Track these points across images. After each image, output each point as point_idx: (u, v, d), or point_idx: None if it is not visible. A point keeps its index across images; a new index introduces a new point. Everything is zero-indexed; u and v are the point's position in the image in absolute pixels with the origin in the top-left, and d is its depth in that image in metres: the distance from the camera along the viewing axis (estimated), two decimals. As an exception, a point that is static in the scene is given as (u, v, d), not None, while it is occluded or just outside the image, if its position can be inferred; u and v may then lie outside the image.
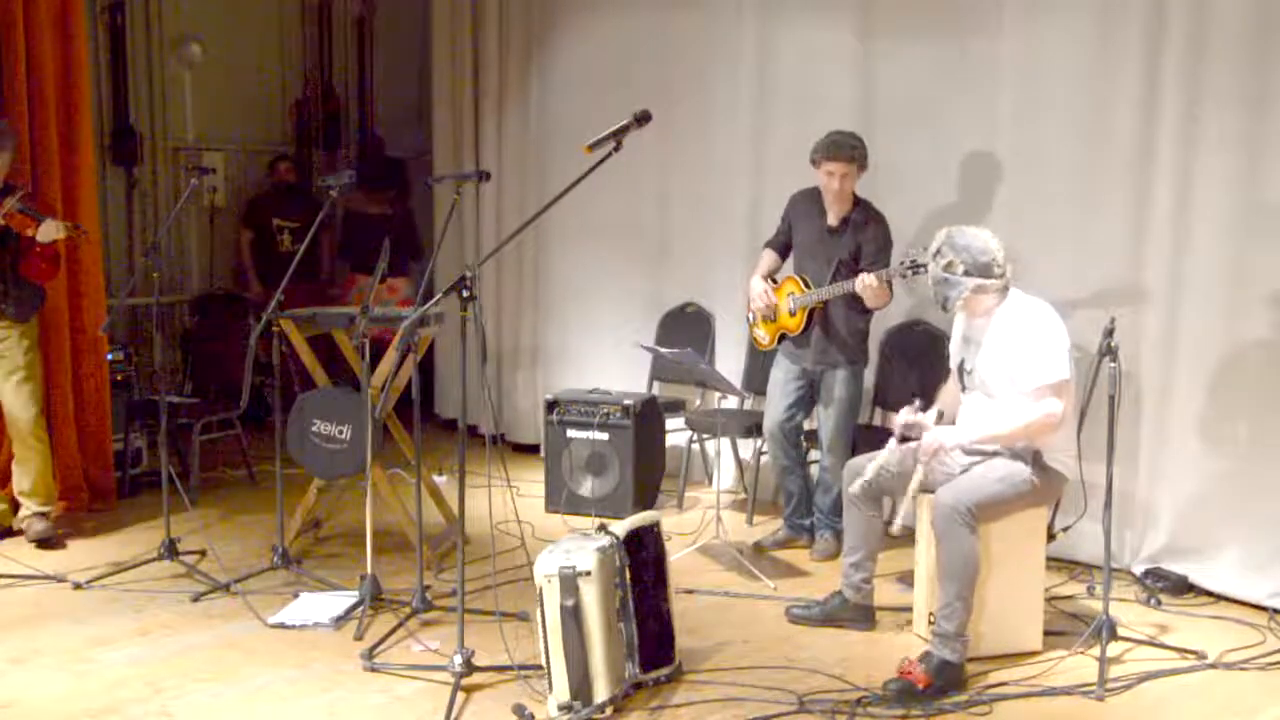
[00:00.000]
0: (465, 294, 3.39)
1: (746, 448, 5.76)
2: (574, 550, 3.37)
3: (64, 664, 3.75)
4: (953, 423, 3.95)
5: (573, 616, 3.30)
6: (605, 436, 5.51)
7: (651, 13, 6.29)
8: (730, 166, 5.95)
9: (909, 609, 4.13)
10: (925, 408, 3.98)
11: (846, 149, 4.60)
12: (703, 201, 6.14)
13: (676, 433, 5.98)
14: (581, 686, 3.31)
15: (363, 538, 4.24)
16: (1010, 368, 3.73)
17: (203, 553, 4.78)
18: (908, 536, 4.10)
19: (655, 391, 6.13)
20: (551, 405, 5.67)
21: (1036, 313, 3.76)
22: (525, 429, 7.03)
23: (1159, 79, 4.46)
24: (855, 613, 4.08)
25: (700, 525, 5.20)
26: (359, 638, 3.95)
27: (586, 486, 5.57)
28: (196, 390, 6.98)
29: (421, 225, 7.59)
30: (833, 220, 4.75)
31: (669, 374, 6.08)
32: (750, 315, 4.99)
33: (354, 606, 4.13)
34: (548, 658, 3.35)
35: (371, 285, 4.28)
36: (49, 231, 4.69)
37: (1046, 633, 3.92)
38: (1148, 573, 4.57)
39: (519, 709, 3.32)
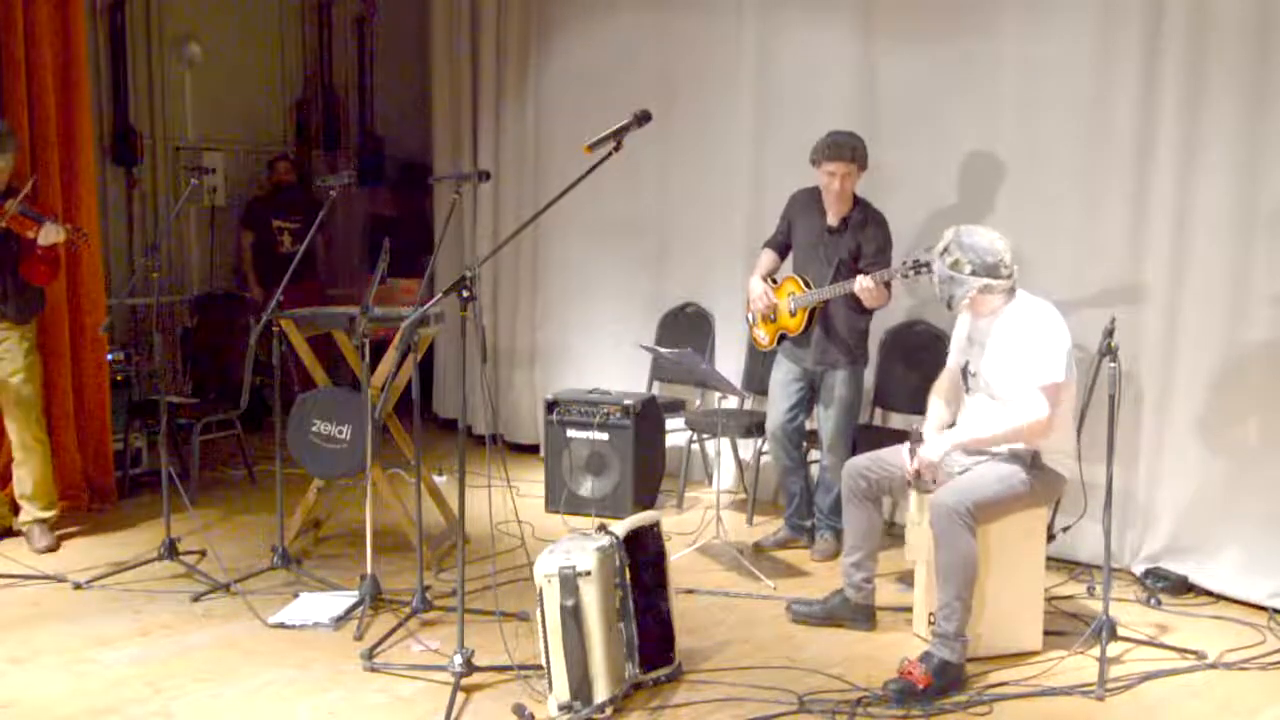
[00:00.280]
0: (465, 294, 3.39)
1: (746, 448, 5.76)
2: (574, 550, 3.37)
3: (64, 664, 3.75)
4: (953, 419, 3.96)
5: (573, 616, 3.30)
6: (605, 436, 5.51)
7: (651, 13, 6.28)
8: (730, 166, 5.95)
9: (909, 609, 4.13)
10: (920, 439, 3.88)
11: (846, 149, 4.59)
12: (703, 201, 6.13)
13: (676, 433, 5.97)
14: (581, 686, 3.31)
15: (363, 538, 4.25)
16: (1012, 369, 3.73)
17: (203, 553, 4.78)
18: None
19: (655, 391, 6.13)
20: (551, 405, 5.67)
21: (1039, 315, 3.76)
22: (525, 429, 7.03)
23: (1159, 79, 4.46)
24: (856, 612, 4.08)
25: (700, 525, 5.20)
26: (359, 638, 3.95)
27: (586, 486, 5.57)
28: (196, 390, 7.00)
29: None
30: (833, 220, 4.74)
31: (669, 374, 6.08)
32: (750, 315, 4.99)
33: (354, 606, 4.13)
34: (548, 658, 3.35)
35: (372, 285, 4.28)
36: (50, 234, 4.69)
37: (1046, 633, 3.92)
38: (1148, 573, 4.57)
39: (519, 709, 3.32)
